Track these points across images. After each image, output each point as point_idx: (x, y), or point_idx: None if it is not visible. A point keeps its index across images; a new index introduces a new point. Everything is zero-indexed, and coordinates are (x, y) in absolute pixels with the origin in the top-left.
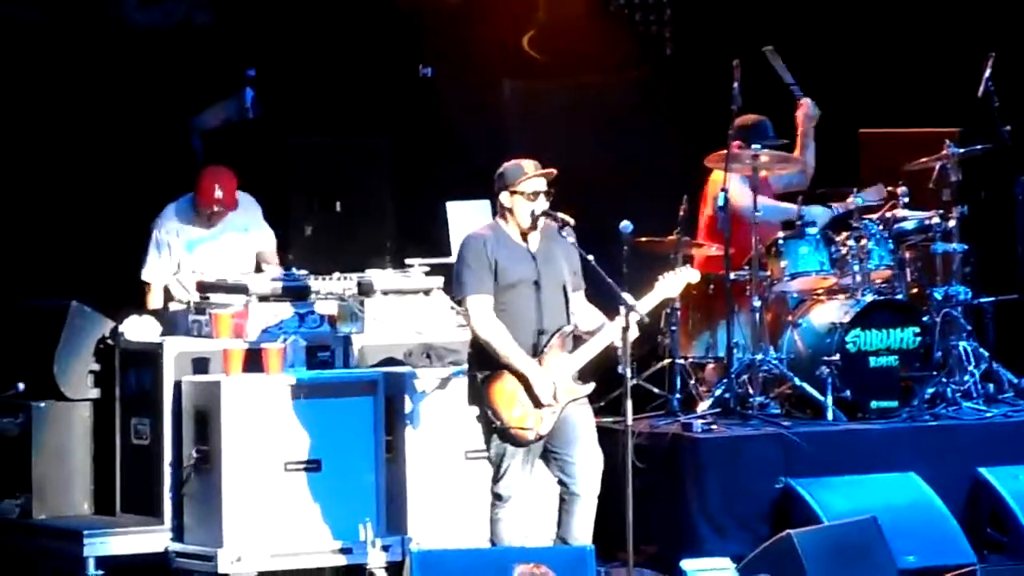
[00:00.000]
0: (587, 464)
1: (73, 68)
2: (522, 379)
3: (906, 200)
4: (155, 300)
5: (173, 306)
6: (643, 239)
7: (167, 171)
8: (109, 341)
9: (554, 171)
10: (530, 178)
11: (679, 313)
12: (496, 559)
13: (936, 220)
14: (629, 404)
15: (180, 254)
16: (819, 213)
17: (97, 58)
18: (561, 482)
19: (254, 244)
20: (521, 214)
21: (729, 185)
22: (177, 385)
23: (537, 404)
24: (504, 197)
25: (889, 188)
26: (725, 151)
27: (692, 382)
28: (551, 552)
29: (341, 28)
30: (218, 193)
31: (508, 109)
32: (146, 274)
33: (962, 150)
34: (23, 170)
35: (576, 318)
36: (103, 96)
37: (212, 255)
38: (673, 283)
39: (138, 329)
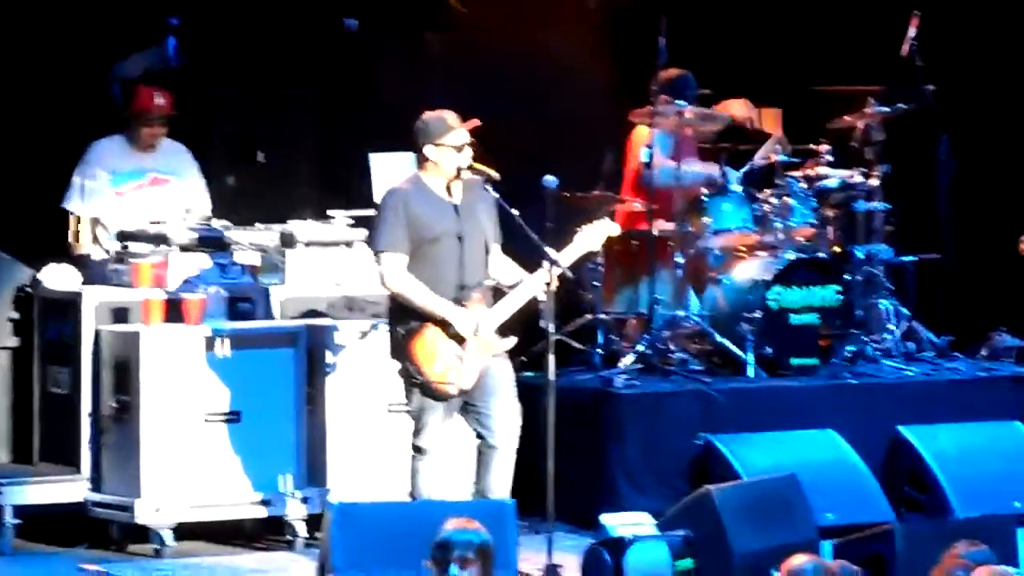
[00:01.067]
0: (505, 417)
1: None
2: (442, 325)
3: (829, 158)
4: (82, 235)
5: (95, 253)
6: (567, 194)
7: (88, 119)
8: (28, 289)
9: (477, 122)
10: (455, 130)
11: (602, 268)
12: (416, 512)
13: (859, 179)
14: (552, 359)
15: (104, 187)
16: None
17: (19, 2)
18: (479, 435)
19: (182, 192)
20: (446, 166)
21: (653, 146)
22: (96, 334)
23: (460, 342)
24: (429, 150)
25: (812, 146)
26: (650, 106)
27: (614, 337)
28: (471, 505)
29: None
30: (158, 99)
31: (432, 62)
32: (69, 203)
33: (886, 108)
34: None
35: (495, 272)
36: (23, 42)
37: (137, 193)
38: (593, 235)
39: (57, 277)
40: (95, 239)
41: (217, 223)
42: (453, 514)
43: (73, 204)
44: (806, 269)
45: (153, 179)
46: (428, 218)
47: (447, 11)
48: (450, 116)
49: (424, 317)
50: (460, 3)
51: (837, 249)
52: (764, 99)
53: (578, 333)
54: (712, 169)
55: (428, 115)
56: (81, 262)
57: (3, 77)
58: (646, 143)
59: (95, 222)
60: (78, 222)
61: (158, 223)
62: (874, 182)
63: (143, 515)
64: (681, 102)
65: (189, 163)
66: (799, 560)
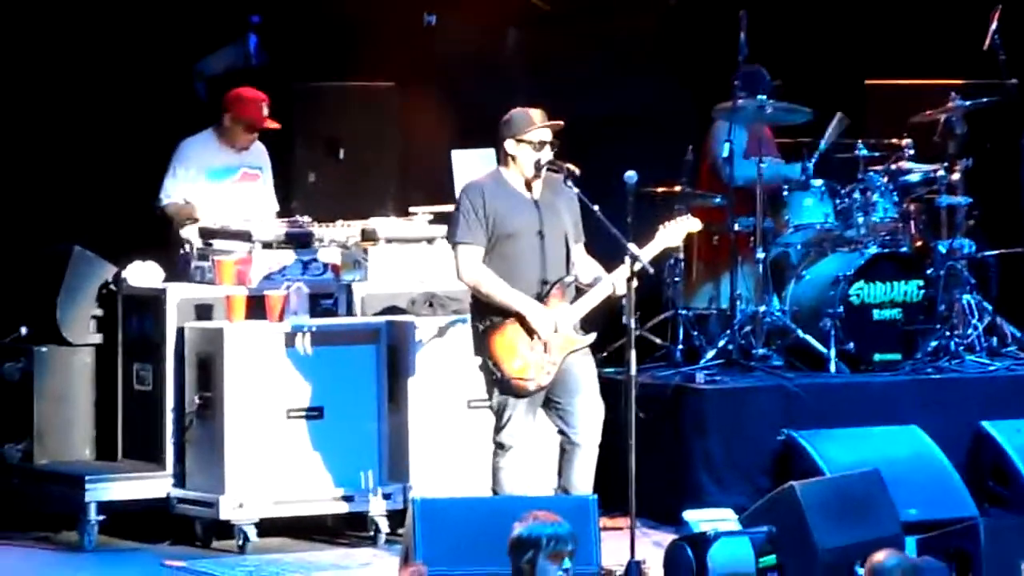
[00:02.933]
0: (588, 414)
1: (79, 12)
2: (523, 321)
3: (911, 152)
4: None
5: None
6: (647, 190)
7: (171, 117)
8: (112, 286)
9: (561, 122)
10: (537, 128)
11: (683, 264)
12: (498, 508)
13: (941, 173)
14: (633, 354)
15: (199, 184)
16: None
17: (102, 2)
18: (562, 432)
19: (263, 190)
20: (525, 163)
21: (733, 140)
22: (180, 331)
23: (534, 346)
24: (509, 145)
25: (894, 140)
26: (732, 102)
27: (695, 333)
28: (553, 501)
29: None
30: (266, 111)
31: (513, 58)
32: (162, 199)
33: (968, 103)
34: (29, 116)
35: (576, 269)
36: (109, 41)
37: (231, 188)
38: (674, 232)
39: (141, 274)
40: (182, 237)
41: (299, 220)
42: (535, 509)
43: (168, 202)
44: (888, 264)
45: (243, 173)
46: (507, 213)
47: (529, 7)
48: (535, 113)
49: (505, 313)
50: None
51: (919, 244)
52: (846, 93)
53: (659, 329)
54: (793, 164)
55: (514, 111)
56: (167, 259)
57: (88, 76)
58: (726, 138)
59: (186, 219)
60: (171, 220)
61: (247, 220)
62: (956, 176)
63: (227, 511)
64: (762, 96)
65: (267, 158)
66: (883, 556)
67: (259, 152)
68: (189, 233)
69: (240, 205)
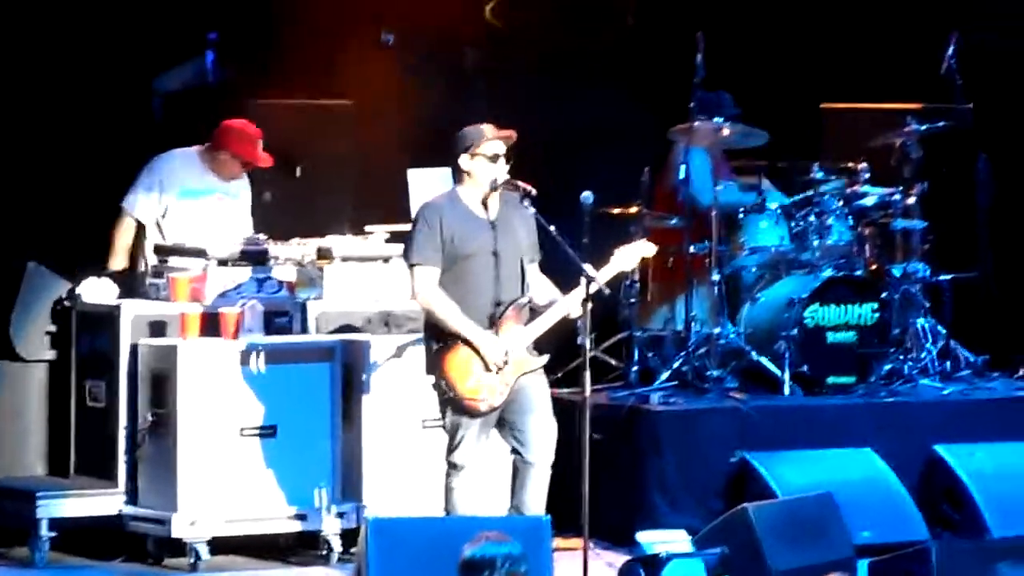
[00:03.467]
0: (541, 434)
1: (33, 28)
2: (473, 347)
3: (867, 176)
4: (125, 235)
5: (139, 265)
6: (604, 210)
7: (127, 132)
8: (66, 302)
9: (513, 133)
10: (489, 140)
11: (638, 285)
12: (451, 528)
13: (896, 197)
14: (587, 375)
15: (170, 200)
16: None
17: (58, 17)
18: (515, 451)
19: (239, 213)
20: (481, 177)
21: (690, 163)
22: (133, 348)
23: (487, 369)
24: (464, 160)
25: (850, 164)
26: (688, 124)
27: (650, 355)
28: (506, 521)
29: None
30: (260, 146)
31: (471, 77)
32: (128, 202)
33: (924, 127)
34: None
35: (531, 290)
36: (66, 56)
37: (201, 210)
38: (629, 256)
39: (95, 291)
40: (139, 252)
41: (255, 237)
42: (488, 529)
43: (137, 210)
44: (843, 287)
45: (219, 198)
46: (463, 233)
47: (484, 26)
48: (486, 127)
49: (451, 331)
50: (497, 19)
51: (874, 267)
52: (800, 117)
53: (614, 350)
54: (750, 197)
55: (466, 127)
56: (120, 276)
57: (44, 91)
58: (683, 160)
59: (142, 234)
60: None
61: (201, 237)
62: (911, 200)
63: (179, 529)
64: (719, 119)
65: (247, 187)
66: None
67: (242, 184)
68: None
69: (212, 223)
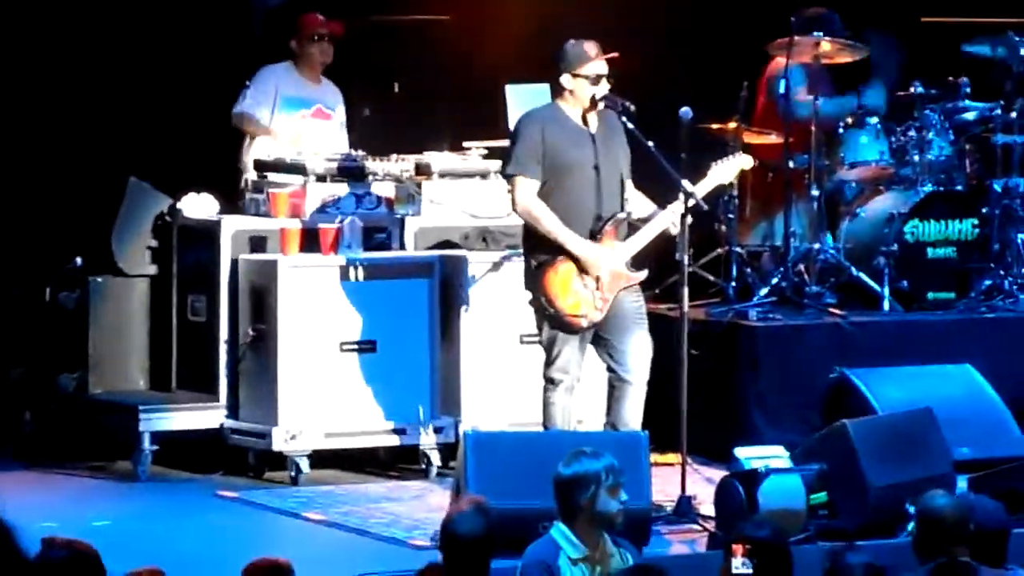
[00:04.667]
0: (637, 353)
1: None
2: (574, 258)
3: (967, 91)
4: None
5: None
6: (702, 125)
7: (228, 49)
8: (167, 218)
9: (616, 54)
10: (592, 61)
11: (736, 201)
12: (548, 442)
13: (997, 111)
14: (685, 291)
15: (275, 105)
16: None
17: None
18: (611, 369)
19: (335, 130)
20: (582, 97)
21: (789, 79)
22: (234, 263)
23: (586, 285)
24: (566, 79)
25: (950, 78)
26: (787, 39)
27: (748, 270)
28: (604, 436)
29: None
30: (321, 17)
31: None
32: (242, 106)
33: None
34: (86, 50)
35: (629, 205)
36: None
37: (303, 122)
38: (727, 169)
39: (196, 206)
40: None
41: (353, 153)
42: (586, 444)
43: (242, 109)
44: (943, 202)
45: (317, 110)
46: (564, 145)
47: None
48: (590, 46)
49: (558, 249)
50: None
51: (974, 182)
52: (902, 30)
53: (712, 266)
54: (850, 102)
55: (568, 44)
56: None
57: (145, 8)
58: (782, 75)
59: (251, 134)
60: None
61: (300, 153)
62: (1013, 115)
63: (279, 442)
64: (818, 33)
65: (342, 101)
66: (935, 495)
67: (332, 92)
68: (250, 156)
69: (310, 141)
